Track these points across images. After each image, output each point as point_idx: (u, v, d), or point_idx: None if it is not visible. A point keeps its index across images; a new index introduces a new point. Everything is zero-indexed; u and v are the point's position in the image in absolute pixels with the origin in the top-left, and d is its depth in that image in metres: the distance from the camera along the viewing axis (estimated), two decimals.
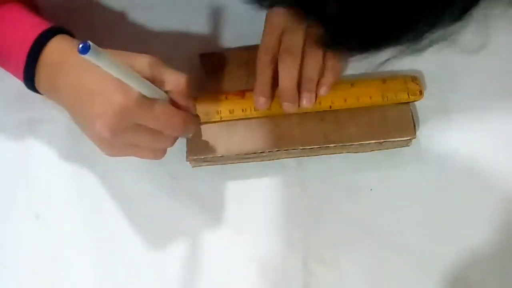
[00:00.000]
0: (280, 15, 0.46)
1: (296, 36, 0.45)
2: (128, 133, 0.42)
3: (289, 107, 0.46)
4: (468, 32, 0.47)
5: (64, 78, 0.43)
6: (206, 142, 0.49)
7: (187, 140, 0.49)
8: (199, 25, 0.56)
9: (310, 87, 0.46)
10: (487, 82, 0.46)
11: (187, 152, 0.49)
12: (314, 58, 0.46)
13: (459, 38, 0.43)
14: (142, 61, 0.41)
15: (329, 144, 0.48)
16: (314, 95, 0.46)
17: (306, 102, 0.46)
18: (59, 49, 0.44)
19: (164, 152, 0.46)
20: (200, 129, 0.49)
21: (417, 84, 0.48)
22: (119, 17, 0.57)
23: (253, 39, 0.54)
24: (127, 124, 0.41)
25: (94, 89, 0.41)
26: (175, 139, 0.46)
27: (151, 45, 0.55)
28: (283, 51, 0.46)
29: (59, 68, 0.43)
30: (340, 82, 0.49)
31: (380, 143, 0.48)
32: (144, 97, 0.40)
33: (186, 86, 0.43)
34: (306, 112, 0.48)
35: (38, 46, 0.44)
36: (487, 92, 0.49)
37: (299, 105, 0.46)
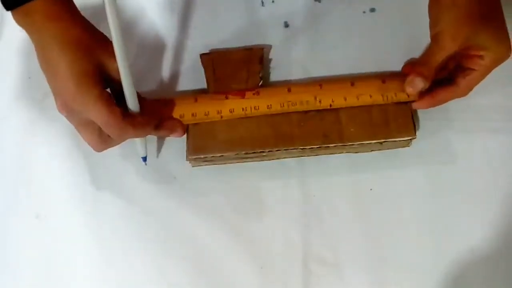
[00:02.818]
0: None
1: None
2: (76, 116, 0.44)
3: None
4: None
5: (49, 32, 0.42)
6: (206, 142, 0.49)
7: (187, 140, 0.49)
8: (200, 25, 0.56)
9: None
10: (487, 82, 0.46)
11: (187, 152, 0.49)
12: None
13: None
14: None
15: (329, 144, 0.48)
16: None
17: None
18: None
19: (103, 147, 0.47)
20: (200, 128, 0.49)
21: None
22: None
23: (252, 39, 0.54)
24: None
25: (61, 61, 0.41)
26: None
27: (152, 45, 0.55)
28: None
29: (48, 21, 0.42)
30: (341, 81, 0.49)
31: (380, 143, 0.48)
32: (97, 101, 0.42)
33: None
34: (306, 112, 0.48)
35: None
36: (488, 92, 0.49)
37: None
